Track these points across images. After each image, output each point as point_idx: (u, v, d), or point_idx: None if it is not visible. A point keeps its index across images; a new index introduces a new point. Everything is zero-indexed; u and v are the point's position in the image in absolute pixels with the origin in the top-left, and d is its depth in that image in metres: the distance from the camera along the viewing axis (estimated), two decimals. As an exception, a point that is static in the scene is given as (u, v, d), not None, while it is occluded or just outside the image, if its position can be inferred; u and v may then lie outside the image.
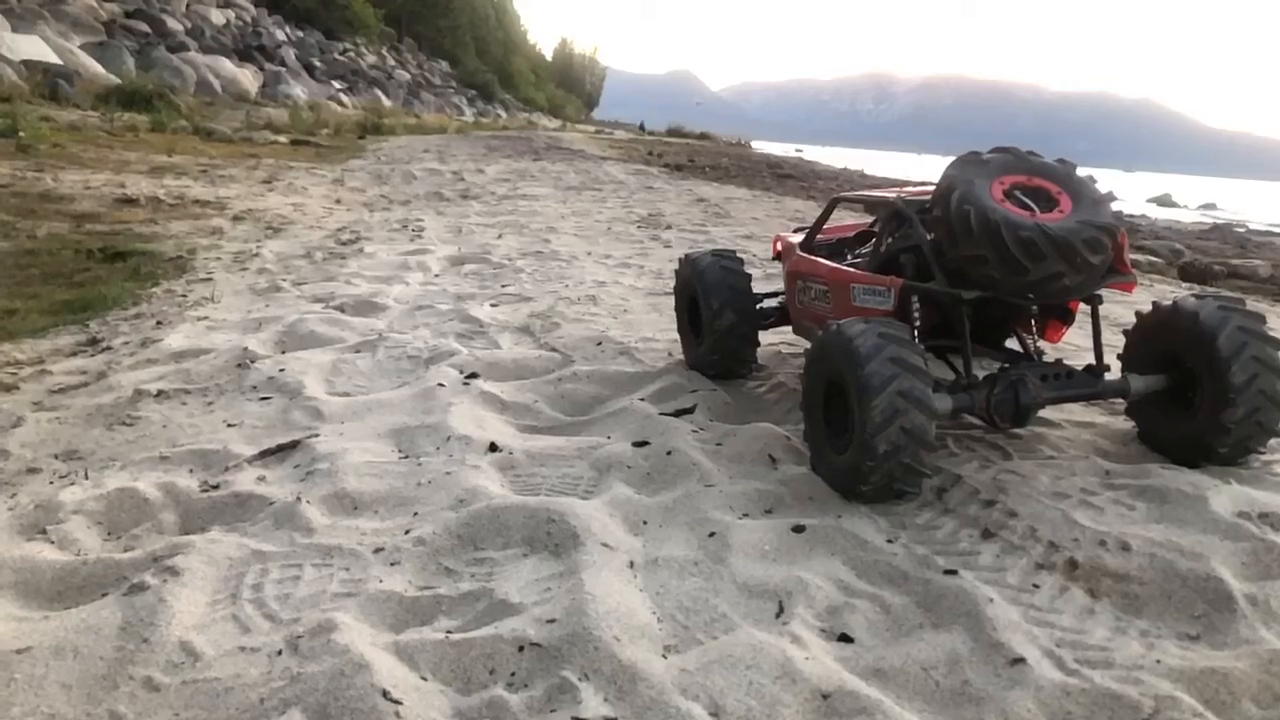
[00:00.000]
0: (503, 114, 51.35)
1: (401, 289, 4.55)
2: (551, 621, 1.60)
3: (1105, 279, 2.47)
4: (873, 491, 2.13)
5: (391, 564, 1.85)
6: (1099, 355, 2.54)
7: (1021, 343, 2.70)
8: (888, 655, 1.58)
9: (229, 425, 2.67)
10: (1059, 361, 2.65)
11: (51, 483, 2.26)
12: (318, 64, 33.83)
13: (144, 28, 24.18)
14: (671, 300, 3.51)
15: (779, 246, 3.45)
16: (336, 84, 32.44)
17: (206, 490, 2.20)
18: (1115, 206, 2.46)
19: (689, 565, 1.85)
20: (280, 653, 1.53)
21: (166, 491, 2.17)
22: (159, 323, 3.79)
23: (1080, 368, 2.55)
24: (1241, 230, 15.29)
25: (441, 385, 2.95)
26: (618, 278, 4.86)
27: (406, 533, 1.98)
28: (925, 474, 2.14)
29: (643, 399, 2.88)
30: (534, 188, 10.70)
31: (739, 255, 3.41)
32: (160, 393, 2.89)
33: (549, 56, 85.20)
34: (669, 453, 2.42)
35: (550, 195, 9.98)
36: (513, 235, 6.68)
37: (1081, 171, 2.60)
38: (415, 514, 2.08)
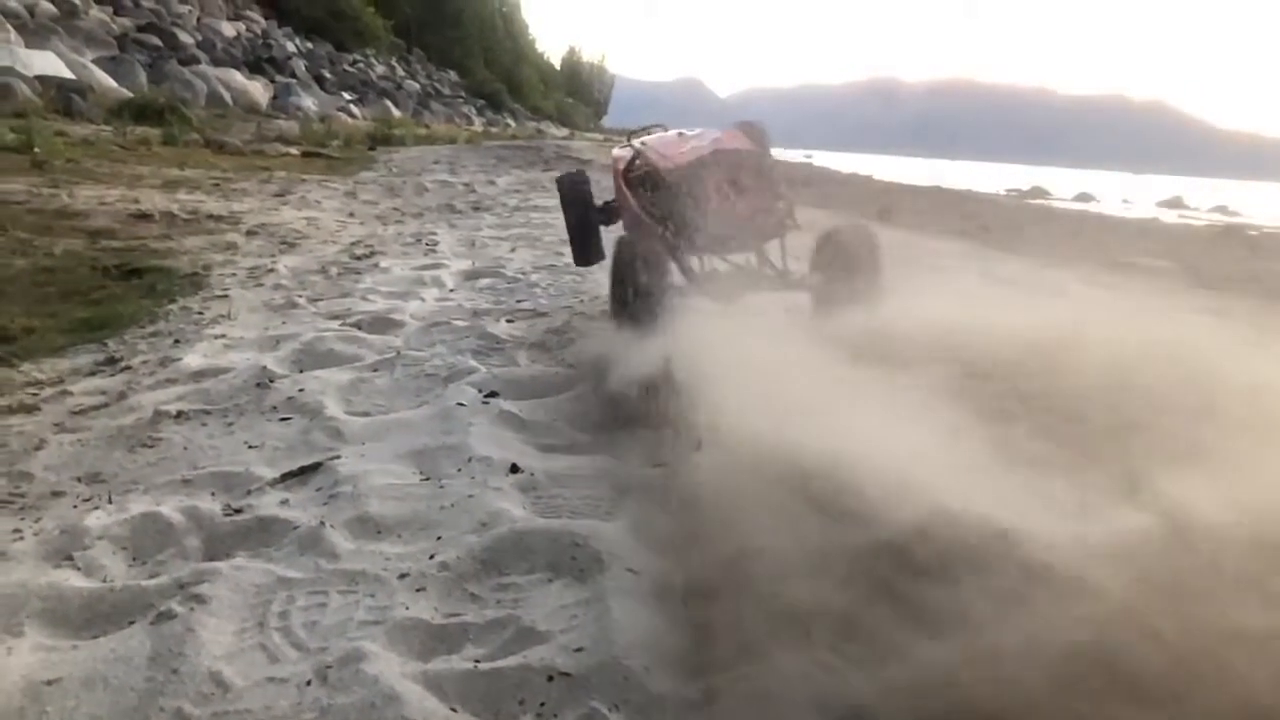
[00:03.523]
0: (511, 123, 51.52)
1: (417, 305, 4.55)
2: (579, 650, 1.60)
3: (776, 233, 3.88)
4: (636, 320, 3.35)
5: (417, 590, 1.85)
6: (784, 263, 3.89)
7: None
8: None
9: (250, 447, 2.66)
10: (767, 265, 3.98)
11: (75, 507, 2.25)
12: (328, 75, 33.99)
13: (156, 41, 24.35)
14: None
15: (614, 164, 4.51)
16: (346, 95, 32.57)
17: (230, 514, 2.20)
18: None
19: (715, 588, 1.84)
20: (310, 683, 1.53)
21: (190, 516, 2.17)
22: (176, 341, 3.79)
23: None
24: (1254, 234, 15.21)
25: (461, 404, 2.94)
26: (632, 290, 4.86)
27: (431, 557, 1.97)
28: (661, 314, 3.25)
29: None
30: (546, 199, 10.71)
31: (586, 176, 4.66)
32: (180, 414, 2.89)
33: (557, 65, 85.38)
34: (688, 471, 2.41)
35: (562, 206, 9.97)
36: (526, 248, 6.69)
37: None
38: (439, 538, 2.08)
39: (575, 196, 4.56)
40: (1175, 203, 28.09)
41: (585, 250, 4.57)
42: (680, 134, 4.31)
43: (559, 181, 4.68)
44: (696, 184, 3.71)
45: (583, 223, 4.54)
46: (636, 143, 4.35)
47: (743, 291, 3.69)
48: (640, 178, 4.10)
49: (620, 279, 3.77)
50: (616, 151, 4.63)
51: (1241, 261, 8.99)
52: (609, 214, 4.53)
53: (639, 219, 3.98)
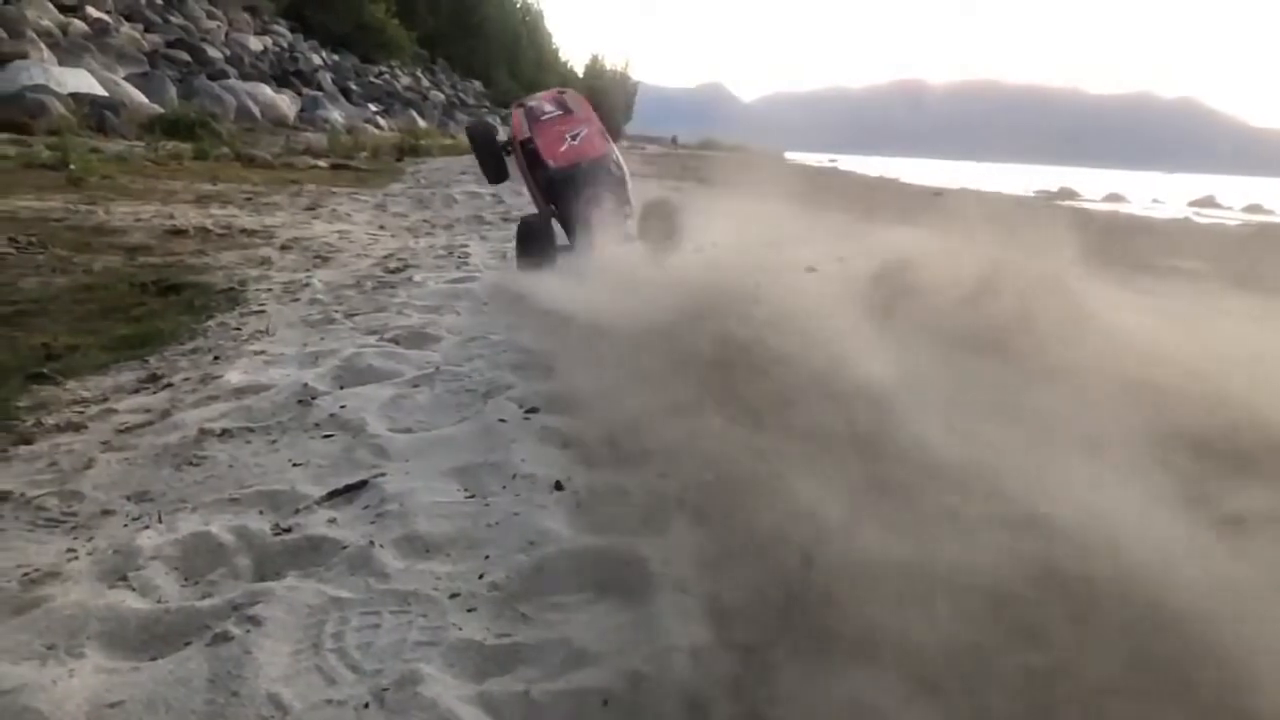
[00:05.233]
0: (536, 131, 51.63)
1: (453, 319, 4.57)
2: (633, 672, 1.60)
3: (626, 211, 5.60)
4: (536, 268, 5.21)
5: (469, 610, 1.85)
6: (627, 227, 5.60)
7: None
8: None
9: (295, 465, 2.68)
10: (618, 228, 5.46)
11: (126, 526, 2.27)
12: (354, 87, 34.29)
13: (185, 57, 24.68)
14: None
15: (516, 123, 5.93)
16: (373, 106, 32.86)
17: (279, 534, 2.22)
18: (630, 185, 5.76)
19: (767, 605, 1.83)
20: (367, 705, 1.54)
21: (239, 535, 2.19)
22: (216, 358, 3.82)
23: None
24: (1291, 233, 14.99)
25: (503, 420, 2.95)
26: (666, 301, 4.85)
27: (480, 577, 1.98)
28: (548, 262, 5.24)
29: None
30: (574, 207, 10.71)
31: (491, 122, 6.77)
32: (224, 431, 2.91)
33: (580, 74, 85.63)
34: (737, 486, 2.40)
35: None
36: (558, 259, 6.71)
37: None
38: (487, 557, 2.08)
39: (483, 138, 6.18)
40: (1207, 202, 27.74)
41: (494, 174, 6.19)
42: (559, 93, 6.14)
43: (469, 129, 6.51)
44: (570, 184, 5.44)
45: (491, 155, 6.09)
46: (530, 102, 6.02)
47: (602, 245, 5.32)
48: (532, 154, 5.65)
49: (524, 238, 5.49)
50: (516, 112, 6.06)
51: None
52: (508, 148, 6.05)
53: (533, 194, 5.85)
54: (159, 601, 1.91)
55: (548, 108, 5.87)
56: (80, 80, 17.38)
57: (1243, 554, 1.66)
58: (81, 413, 3.09)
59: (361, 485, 2.50)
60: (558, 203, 5.53)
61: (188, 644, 1.75)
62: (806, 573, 1.77)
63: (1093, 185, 34.13)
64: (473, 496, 2.44)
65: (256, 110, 23.76)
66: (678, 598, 1.84)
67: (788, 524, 1.87)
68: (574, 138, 5.66)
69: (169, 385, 3.47)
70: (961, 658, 1.56)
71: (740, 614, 1.79)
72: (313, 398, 3.22)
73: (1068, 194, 27.44)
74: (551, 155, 5.53)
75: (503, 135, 6.30)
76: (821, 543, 1.78)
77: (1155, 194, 33.86)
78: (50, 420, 2.97)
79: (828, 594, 1.68)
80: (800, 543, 1.82)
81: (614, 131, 6.09)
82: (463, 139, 10.62)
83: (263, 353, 3.90)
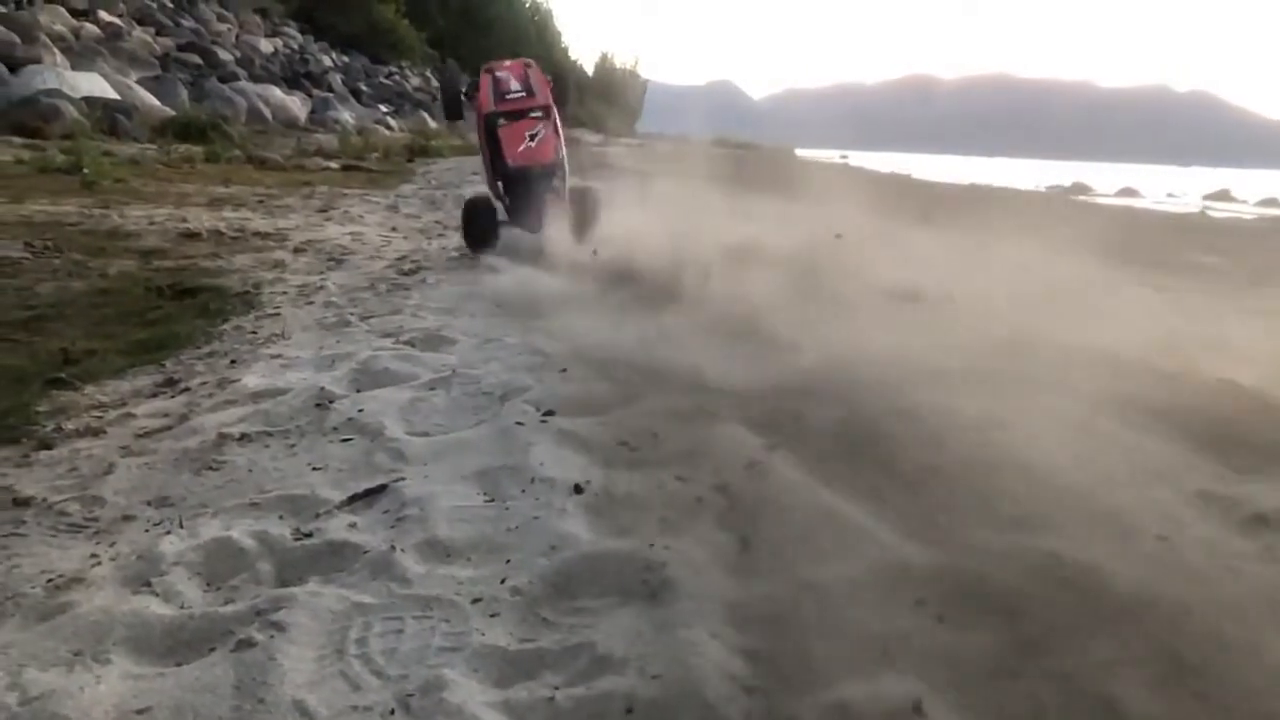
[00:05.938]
0: (545, 131, 51.54)
1: (468, 321, 4.57)
2: (656, 677, 1.59)
3: (560, 202, 6.48)
4: (480, 246, 6.58)
5: (491, 615, 1.85)
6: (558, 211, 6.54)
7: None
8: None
9: (314, 469, 2.69)
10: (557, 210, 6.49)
11: (148, 531, 2.28)
12: (364, 88, 34.36)
13: (196, 60, 24.78)
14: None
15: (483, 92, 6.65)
16: (383, 107, 32.90)
17: (299, 539, 2.22)
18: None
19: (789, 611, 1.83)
20: (393, 712, 1.54)
21: (260, 540, 2.19)
22: (233, 361, 3.83)
23: None
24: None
25: (520, 423, 2.94)
26: (680, 304, 4.84)
27: (502, 582, 1.98)
28: (491, 244, 6.59)
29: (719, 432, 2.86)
30: (584, 207, 10.71)
31: (456, 74, 7.63)
32: (243, 436, 2.92)
33: (590, 72, 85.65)
34: (755, 490, 2.40)
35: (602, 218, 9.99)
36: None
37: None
38: (508, 561, 2.08)
39: (448, 83, 7.07)
40: (1222, 195, 27.55)
41: (452, 115, 7.07)
42: (525, 66, 6.80)
43: (439, 75, 8.20)
44: (521, 182, 6.40)
45: (452, 98, 6.89)
46: (499, 72, 6.67)
47: (538, 225, 6.42)
48: (492, 133, 6.46)
49: (469, 221, 6.68)
50: (484, 78, 6.68)
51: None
52: (468, 94, 6.90)
53: (486, 171, 6.82)
54: (183, 607, 1.92)
55: (514, 85, 6.57)
56: (93, 84, 17.46)
57: None
58: (100, 417, 3.10)
59: (381, 489, 2.50)
60: (507, 191, 6.56)
61: (212, 650, 1.76)
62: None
63: (1106, 180, 33.94)
64: (492, 500, 2.43)
65: (267, 112, 23.85)
66: (700, 603, 1.84)
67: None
68: (532, 138, 6.41)
69: (186, 389, 3.47)
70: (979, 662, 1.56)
71: (762, 619, 1.79)
72: (330, 401, 3.23)
73: (1080, 189, 27.32)
74: (511, 155, 6.34)
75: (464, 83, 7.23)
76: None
77: (1169, 188, 33.65)
78: (70, 425, 2.98)
79: (851, 599, 1.68)
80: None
81: (561, 103, 6.80)
82: (472, 138, 10.97)
83: (279, 356, 3.90)
